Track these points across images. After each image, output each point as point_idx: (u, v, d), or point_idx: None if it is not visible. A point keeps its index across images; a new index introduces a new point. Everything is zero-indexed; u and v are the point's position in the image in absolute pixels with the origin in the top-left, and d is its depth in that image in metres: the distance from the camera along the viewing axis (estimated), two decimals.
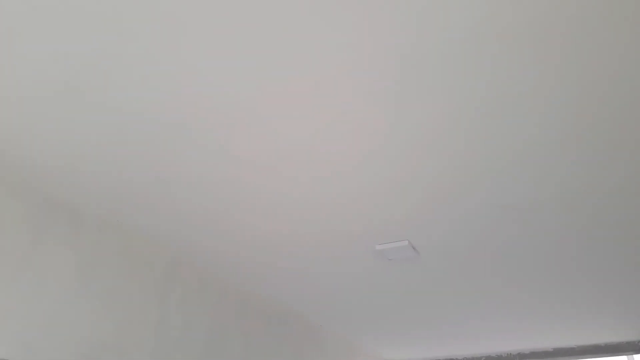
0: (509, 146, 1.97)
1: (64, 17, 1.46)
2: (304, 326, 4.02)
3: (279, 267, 3.08)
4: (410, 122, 1.85)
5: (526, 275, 3.15)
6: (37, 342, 2.10)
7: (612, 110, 1.77)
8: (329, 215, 2.49)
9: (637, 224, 2.51)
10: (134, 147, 2.01)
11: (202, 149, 2.02)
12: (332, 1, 1.40)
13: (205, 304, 3.07)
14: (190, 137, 1.95)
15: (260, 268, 3.10)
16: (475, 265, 3.02)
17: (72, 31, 1.51)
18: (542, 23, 1.45)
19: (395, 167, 2.11)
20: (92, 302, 2.38)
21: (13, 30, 1.51)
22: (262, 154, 2.05)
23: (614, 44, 1.51)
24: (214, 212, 2.48)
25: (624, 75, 1.62)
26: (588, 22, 1.45)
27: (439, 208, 2.41)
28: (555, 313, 3.84)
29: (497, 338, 4.55)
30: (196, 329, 2.95)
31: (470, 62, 1.59)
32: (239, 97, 1.76)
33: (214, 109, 1.81)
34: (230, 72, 1.65)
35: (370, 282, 3.29)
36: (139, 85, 1.71)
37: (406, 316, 3.96)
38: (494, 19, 1.45)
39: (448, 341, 4.64)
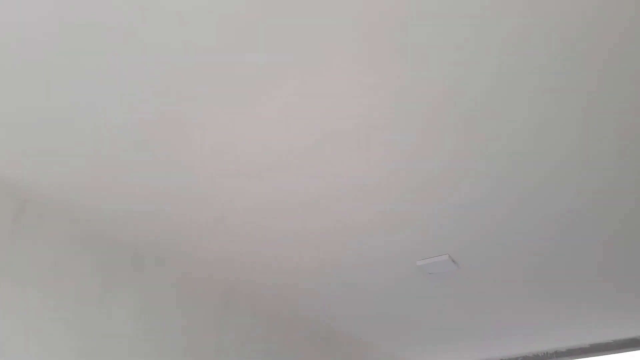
0: (547, 160, 2.10)
1: (134, 90, 1.64)
2: (348, 342, 4.15)
3: (323, 289, 3.22)
4: (448, 145, 1.99)
5: (562, 278, 3.26)
6: None
7: None
8: (370, 237, 2.63)
9: None
10: (191, 193, 2.18)
11: (254, 191, 2.18)
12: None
13: (257, 328, 3.22)
14: (244, 182, 2.11)
15: (305, 291, 3.25)
16: (512, 272, 3.14)
17: (141, 100, 1.68)
18: None
19: (434, 187, 2.25)
20: (158, 334, 2.54)
21: (92, 103, 1.69)
22: (311, 189, 2.21)
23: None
24: (263, 244, 2.63)
25: None
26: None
27: (478, 221, 2.54)
28: (590, 310, 3.94)
29: (533, 338, 4.64)
30: (251, 352, 3.10)
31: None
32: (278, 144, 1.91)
33: (257, 159, 1.97)
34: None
35: (411, 296, 3.42)
36: (198, 142, 1.87)
37: (446, 325, 4.07)
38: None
39: (486, 344, 4.74)
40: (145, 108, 1.74)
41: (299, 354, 3.52)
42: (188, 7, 1.41)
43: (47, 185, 2.11)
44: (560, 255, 2.93)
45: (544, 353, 5.10)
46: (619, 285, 3.49)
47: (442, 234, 2.64)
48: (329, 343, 3.89)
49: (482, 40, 1.54)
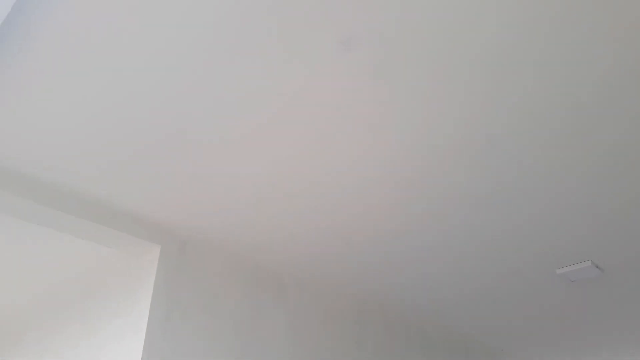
0: None
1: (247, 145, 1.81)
2: (486, 353, 4.07)
3: (459, 300, 3.21)
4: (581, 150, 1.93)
5: None
6: None
7: None
8: (508, 246, 2.59)
9: None
10: (328, 227, 2.33)
11: (380, 207, 2.27)
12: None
13: (393, 343, 3.30)
14: (370, 200, 2.21)
15: (439, 304, 3.26)
16: None
17: (255, 158, 1.85)
18: None
19: (568, 191, 2.18)
20: (303, 352, 2.72)
21: (223, 156, 1.89)
22: (434, 203, 2.24)
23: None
24: (397, 260, 2.71)
25: None
26: None
27: (620, 223, 2.40)
28: None
29: None
30: None
31: None
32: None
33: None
34: None
35: (551, 305, 3.29)
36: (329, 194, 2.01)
37: (589, 332, 3.84)
38: None
39: (629, 349, 4.38)
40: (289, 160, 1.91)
41: None
42: None
43: (201, 227, 2.37)
44: None
45: None
46: None
47: (581, 239, 2.53)
48: (467, 355, 3.85)
49: None
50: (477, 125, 1.80)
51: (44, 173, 2.02)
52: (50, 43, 1.50)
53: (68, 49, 1.51)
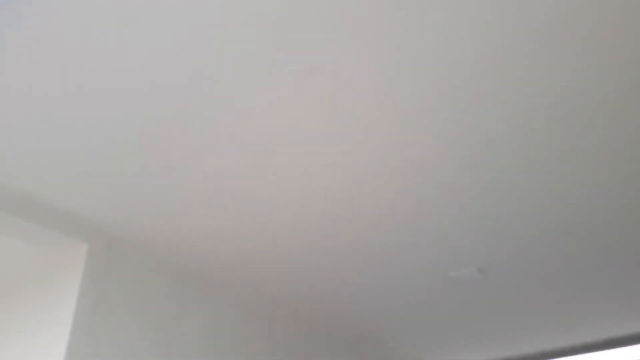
0: (566, 171, 2.42)
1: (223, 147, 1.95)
2: (382, 346, 4.48)
3: (361, 300, 3.54)
4: (476, 164, 2.31)
5: (573, 283, 3.59)
6: None
7: None
8: (405, 252, 2.95)
9: None
10: (249, 228, 2.50)
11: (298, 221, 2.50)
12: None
13: (303, 336, 3.55)
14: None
15: (344, 303, 3.57)
16: (532, 281, 3.46)
17: (227, 155, 2.00)
18: None
19: (465, 202, 2.57)
20: (222, 347, 2.86)
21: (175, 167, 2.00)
22: (353, 214, 2.52)
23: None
24: (305, 264, 2.95)
25: None
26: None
27: (502, 235, 2.85)
28: (602, 310, 4.26)
29: (549, 336, 4.96)
30: (299, 358, 3.43)
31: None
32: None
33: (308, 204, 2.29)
34: None
35: (439, 303, 3.75)
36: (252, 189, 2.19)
37: (472, 327, 4.39)
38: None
39: (506, 343, 5.06)
40: (229, 163, 2.06)
41: (337, 358, 3.85)
42: None
43: (129, 226, 2.43)
44: (571, 264, 3.25)
45: (560, 349, 5.42)
46: (619, 293, 3.80)
47: (469, 246, 2.96)
48: (364, 347, 4.23)
49: None
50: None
51: None
52: None
53: None
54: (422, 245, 2.87)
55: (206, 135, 1.93)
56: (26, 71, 1.61)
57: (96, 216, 2.34)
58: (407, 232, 2.71)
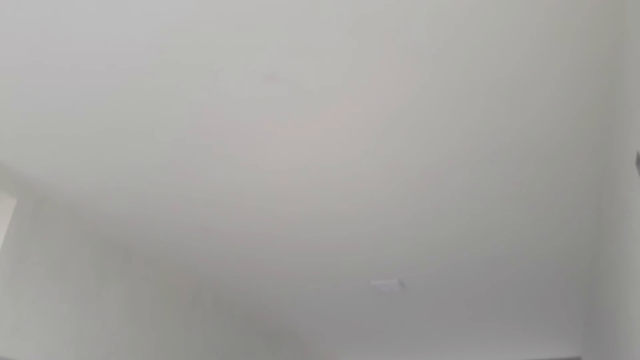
0: (492, 213, 2.59)
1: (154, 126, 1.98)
2: (299, 342, 4.57)
3: (284, 296, 3.62)
4: (406, 185, 2.45)
5: (487, 306, 3.82)
6: None
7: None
8: (333, 256, 3.06)
9: (569, 259, 3.20)
10: (178, 203, 2.53)
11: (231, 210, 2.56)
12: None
13: (219, 324, 3.59)
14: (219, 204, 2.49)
15: (268, 299, 3.64)
16: (449, 298, 3.66)
17: (155, 137, 2.03)
18: None
19: (389, 219, 2.71)
20: (139, 326, 2.86)
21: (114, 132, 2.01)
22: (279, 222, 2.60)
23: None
24: (232, 252, 3.01)
25: None
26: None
27: (428, 253, 3.01)
28: (511, 333, 4.55)
29: (462, 351, 5.24)
30: (213, 347, 3.46)
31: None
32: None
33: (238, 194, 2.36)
34: None
35: (362, 309, 3.89)
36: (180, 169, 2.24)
37: (390, 334, 4.57)
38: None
39: (421, 353, 5.29)
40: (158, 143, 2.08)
41: (253, 349, 3.91)
42: None
43: (59, 188, 2.40)
44: (487, 288, 3.47)
45: None
46: (533, 317, 4.09)
47: (393, 260, 3.10)
48: (281, 341, 4.30)
49: None
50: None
51: None
52: None
53: None
54: (349, 251, 2.99)
55: (148, 120, 1.94)
56: None
57: (29, 173, 2.30)
58: (337, 235, 2.82)
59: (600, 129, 1.95)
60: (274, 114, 1.94)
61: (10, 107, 1.92)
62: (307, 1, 1.48)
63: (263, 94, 1.84)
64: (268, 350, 4.09)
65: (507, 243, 2.86)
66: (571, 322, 4.19)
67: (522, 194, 2.38)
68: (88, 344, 2.55)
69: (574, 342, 4.79)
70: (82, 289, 2.57)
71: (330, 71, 1.73)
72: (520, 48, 1.62)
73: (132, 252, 2.93)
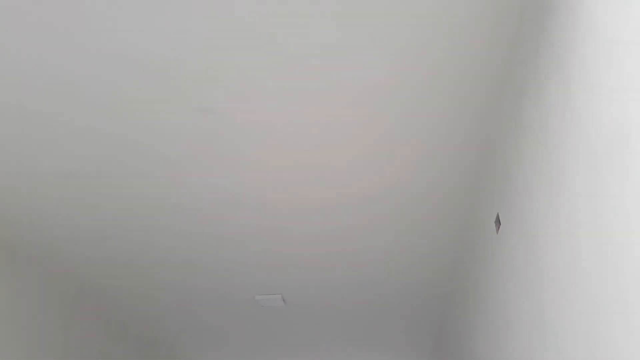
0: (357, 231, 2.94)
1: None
2: (174, 350, 4.58)
3: (165, 305, 3.67)
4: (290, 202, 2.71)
5: (357, 322, 4.22)
6: None
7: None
8: (218, 268, 3.21)
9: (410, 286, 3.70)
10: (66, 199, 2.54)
11: (115, 201, 2.63)
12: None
13: (96, 332, 3.52)
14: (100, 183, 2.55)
15: (146, 304, 3.66)
16: (329, 316, 3.99)
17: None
18: None
19: (273, 239, 2.95)
20: (19, 326, 2.76)
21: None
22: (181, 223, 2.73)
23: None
24: (117, 259, 3.03)
25: None
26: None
27: (312, 273, 3.29)
28: (374, 341, 5.02)
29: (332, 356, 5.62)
30: (90, 350, 3.40)
31: None
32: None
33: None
34: None
35: (245, 323, 4.06)
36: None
37: (272, 348, 4.78)
38: None
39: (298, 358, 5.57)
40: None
41: (129, 357, 3.88)
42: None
43: None
44: (358, 306, 3.86)
45: None
46: (394, 330, 4.58)
47: (276, 277, 3.33)
48: (156, 351, 4.30)
49: None
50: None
51: None
52: None
53: None
54: (234, 265, 3.13)
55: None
56: None
57: None
58: (225, 250, 2.95)
59: (471, 190, 2.38)
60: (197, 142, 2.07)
61: None
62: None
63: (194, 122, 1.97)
64: (144, 356, 4.08)
65: (378, 269, 3.25)
66: (423, 339, 4.77)
67: (394, 228, 2.76)
68: None
69: (422, 355, 5.42)
70: None
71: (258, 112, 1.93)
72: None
73: (15, 251, 2.82)
